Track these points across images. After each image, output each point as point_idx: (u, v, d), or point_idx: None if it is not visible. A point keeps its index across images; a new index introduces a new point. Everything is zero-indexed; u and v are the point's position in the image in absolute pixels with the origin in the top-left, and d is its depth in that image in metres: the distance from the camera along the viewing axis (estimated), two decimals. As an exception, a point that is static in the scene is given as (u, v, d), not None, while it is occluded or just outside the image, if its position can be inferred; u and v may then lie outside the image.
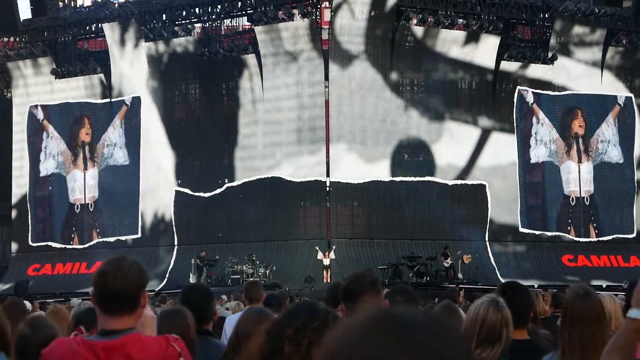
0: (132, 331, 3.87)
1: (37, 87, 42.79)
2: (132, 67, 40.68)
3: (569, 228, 40.56)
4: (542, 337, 6.71)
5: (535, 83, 40.34)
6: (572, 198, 40.75)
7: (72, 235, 41.91)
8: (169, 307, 11.34)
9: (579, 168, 40.98)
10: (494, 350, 4.66)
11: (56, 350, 3.90)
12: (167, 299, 16.19)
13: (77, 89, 42.14)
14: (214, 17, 40.20)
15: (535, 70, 40.14)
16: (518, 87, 40.29)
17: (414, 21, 38.31)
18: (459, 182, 38.93)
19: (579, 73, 40.63)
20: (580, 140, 41.23)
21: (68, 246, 41.74)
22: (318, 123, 37.97)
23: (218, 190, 38.99)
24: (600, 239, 40.60)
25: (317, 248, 34.98)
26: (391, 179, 38.09)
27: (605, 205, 41.10)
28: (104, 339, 3.82)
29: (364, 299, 4.81)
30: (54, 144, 42.81)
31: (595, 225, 40.88)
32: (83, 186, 41.90)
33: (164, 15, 40.02)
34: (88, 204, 41.76)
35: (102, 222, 41.49)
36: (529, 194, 40.36)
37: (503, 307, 4.76)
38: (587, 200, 40.96)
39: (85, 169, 42.05)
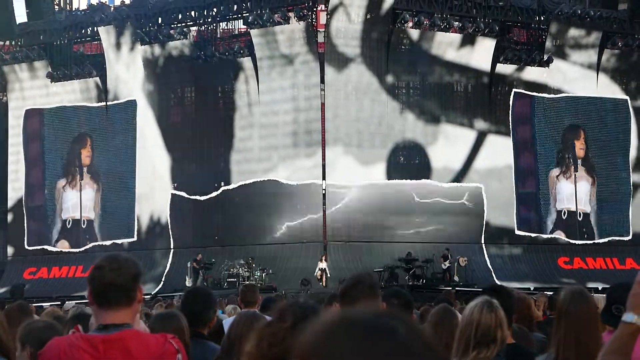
0: (129, 327, 3.91)
1: (32, 90, 42.76)
2: (127, 70, 40.65)
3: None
4: (537, 340, 6.70)
5: (531, 86, 40.40)
6: (564, 211, 40.70)
7: (66, 242, 41.97)
8: (162, 310, 11.34)
9: (575, 188, 40.89)
10: (489, 352, 4.66)
11: (54, 347, 3.95)
12: (161, 302, 16.17)
13: (73, 93, 42.13)
14: (209, 20, 40.20)
15: (531, 73, 40.19)
16: (514, 90, 40.33)
17: (410, 24, 38.33)
18: (455, 184, 38.95)
19: (575, 76, 40.68)
20: (579, 161, 41.21)
21: (64, 250, 41.69)
22: (314, 126, 37.97)
23: (214, 194, 38.97)
24: (596, 241, 40.63)
25: (317, 274, 34.87)
26: (387, 181, 38.11)
27: (601, 207, 41.15)
28: (102, 333, 3.86)
29: (361, 303, 4.81)
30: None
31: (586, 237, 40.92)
32: (79, 206, 41.87)
33: (159, 19, 40.02)
34: (82, 220, 41.73)
35: (95, 233, 41.46)
36: (522, 205, 40.26)
37: (497, 308, 4.76)
38: (579, 216, 40.94)
39: (81, 188, 42.01)
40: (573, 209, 40.65)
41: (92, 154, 42.10)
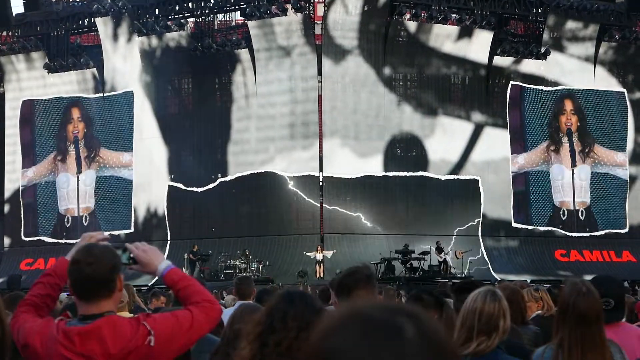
0: (108, 314, 3.91)
1: (29, 81, 42.72)
2: (124, 61, 40.61)
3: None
4: (531, 333, 6.69)
5: (528, 78, 40.39)
6: (564, 211, 40.62)
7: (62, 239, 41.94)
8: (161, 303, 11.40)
9: (572, 172, 40.79)
10: (490, 340, 4.67)
11: (34, 339, 3.96)
12: (159, 294, 16.14)
13: (70, 84, 42.08)
14: (207, 11, 40.16)
15: (528, 65, 40.18)
16: (511, 82, 40.31)
17: (407, 16, 38.31)
18: (452, 177, 38.96)
19: (572, 68, 40.67)
20: (575, 137, 41.08)
21: (61, 241, 41.68)
22: (311, 118, 37.96)
23: (211, 185, 38.98)
24: (593, 233, 40.67)
25: (305, 252, 34.95)
26: (384, 173, 38.13)
27: (598, 201, 41.13)
28: (80, 325, 3.87)
29: (358, 293, 4.81)
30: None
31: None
32: (76, 193, 41.78)
33: (156, 10, 39.97)
34: (82, 216, 41.63)
35: (94, 224, 41.37)
36: (515, 208, 40.13)
37: (500, 298, 4.77)
38: (582, 215, 40.86)
39: (79, 171, 41.93)
40: (571, 204, 40.50)
41: (84, 128, 42.05)
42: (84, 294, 3.92)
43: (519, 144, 40.38)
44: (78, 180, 41.85)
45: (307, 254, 34.90)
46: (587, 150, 40.92)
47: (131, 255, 4.21)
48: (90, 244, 4.08)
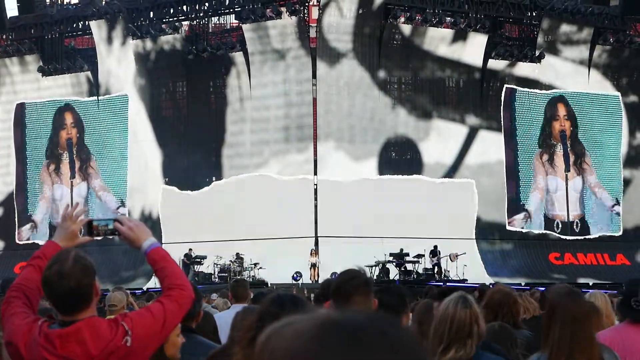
0: (88, 317, 3.92)
1: (24, 84, 42.65)
2: (119, 64, 40.57)
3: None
4: (524, 337, 6.68)
5: (523, 81, 40.42)
6: (558, 223, 40.64)
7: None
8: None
9: (566, 184, 40.76)
10: (467, 348, 4.66)
11: (16, 340, 3.97)
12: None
13: (64, 87, 42.03)
14: (201, 14, 40.13)
15: (523, 69, 40.22)
16: (505, 85, 40.35)
17: (402, 19, 38.34)
18: (447, 180, 38.97)
19: (566, 71, 40.72)
20: (569, 144, 41.08)
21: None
22: (306, 121, 37.97)
23: (205, 188, 38.94)
24: (587, 237, 40.71)
25: (310, 262, 34.91)
26: (379, 177, 38.12)
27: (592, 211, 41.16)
28: (61, 328, 3.88)
29: (355, 299, 4.80)
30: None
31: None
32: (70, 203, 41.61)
33: (151, 13, 39.94)
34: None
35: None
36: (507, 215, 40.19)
37: (472, 303, 4.76)
38: (577, 226, 40.87)
39: (73, 176, 41.80)
40: (565, 217, 40.45)
41: (77, 133, 41.96)
42: (61, 308, 3.93)
43: (509, 147, 40.39)
44: (72, 188, 41.72)
45: (309, 260, 34.82)
46: (579, 162, 40.92)
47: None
48: (61, 257, 3.99)
